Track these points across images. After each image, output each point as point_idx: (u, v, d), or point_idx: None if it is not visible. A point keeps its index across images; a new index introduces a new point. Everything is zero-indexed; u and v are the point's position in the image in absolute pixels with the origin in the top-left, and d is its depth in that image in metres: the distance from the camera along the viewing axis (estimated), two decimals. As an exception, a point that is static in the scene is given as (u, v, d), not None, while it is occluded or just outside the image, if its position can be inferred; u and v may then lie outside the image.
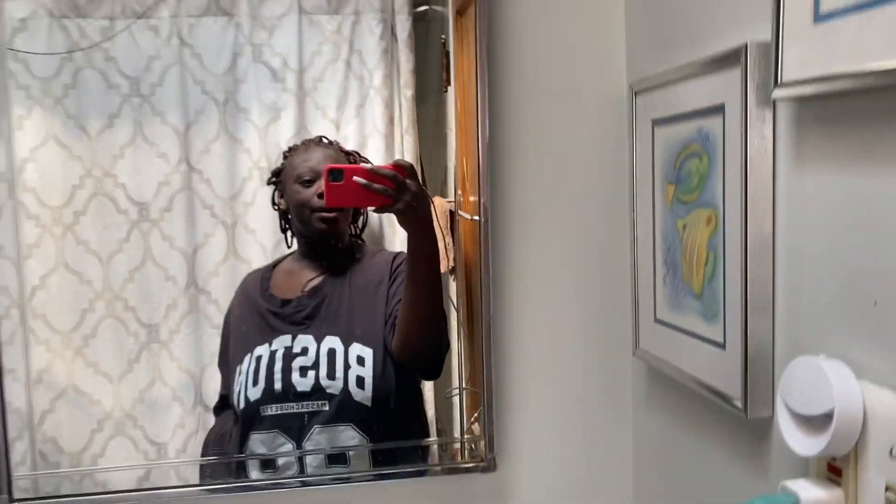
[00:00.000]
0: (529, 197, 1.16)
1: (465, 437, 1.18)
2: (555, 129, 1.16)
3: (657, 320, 1.04)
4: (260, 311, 1.13)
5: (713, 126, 0.86)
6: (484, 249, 1.11)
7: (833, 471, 0.67)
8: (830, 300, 0.71)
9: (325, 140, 1.14)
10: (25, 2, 1.07)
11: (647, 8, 1.10)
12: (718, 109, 0.85)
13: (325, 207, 1.10)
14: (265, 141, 1.14)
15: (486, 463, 1.15)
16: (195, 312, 1.15)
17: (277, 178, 1.14)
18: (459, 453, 1.20)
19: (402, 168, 1.06)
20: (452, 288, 1.17)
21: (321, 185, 1.10)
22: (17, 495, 1.08)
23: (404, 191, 1.05)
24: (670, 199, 0.98)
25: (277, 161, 1.14)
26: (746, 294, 0.80)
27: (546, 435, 1.20)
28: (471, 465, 1.16)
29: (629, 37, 1.15)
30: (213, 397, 1.16)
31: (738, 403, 0.82)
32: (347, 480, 1.13)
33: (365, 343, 1.11)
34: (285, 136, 1.14)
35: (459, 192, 1.16)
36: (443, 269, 1.14)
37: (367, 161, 1.14)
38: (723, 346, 0.86)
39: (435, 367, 1.15)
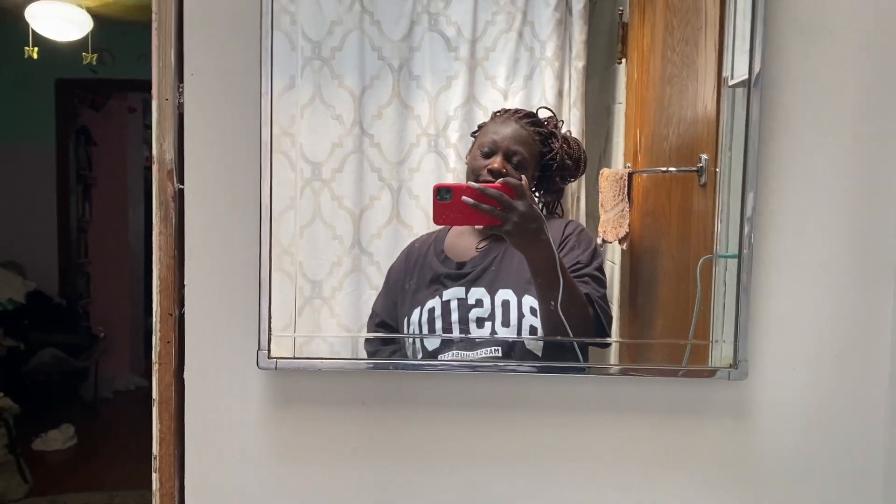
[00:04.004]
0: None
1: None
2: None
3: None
4: (434, 273, 1.15)
5: None
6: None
7: None
8: None
9: (520, 115, 1.14)
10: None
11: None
12: None
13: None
14: (434, 108, 1.16)
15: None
16: (357, 272, 1.18)
17: (476, 134, 1.15)
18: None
19: (510, 188, 1.06)
20: (615, 254, 1.16)
21: (495, 160, 1.12)
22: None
23: (512, 212, 1.05)
24: None
25: (447, 128, 1.16)
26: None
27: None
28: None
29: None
30: (368, 356, 1.18)
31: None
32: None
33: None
34: (454, 104, 1.16)
35: (629, 164, 1.15)
36: (612, 237, 1.13)
37: (561, 137, 1.13)
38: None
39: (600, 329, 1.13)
